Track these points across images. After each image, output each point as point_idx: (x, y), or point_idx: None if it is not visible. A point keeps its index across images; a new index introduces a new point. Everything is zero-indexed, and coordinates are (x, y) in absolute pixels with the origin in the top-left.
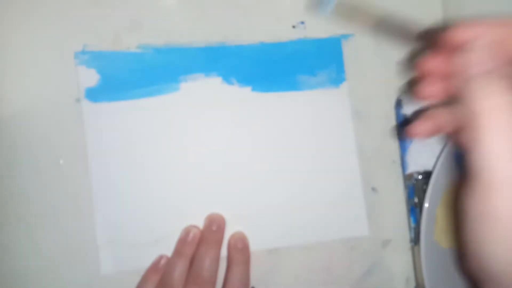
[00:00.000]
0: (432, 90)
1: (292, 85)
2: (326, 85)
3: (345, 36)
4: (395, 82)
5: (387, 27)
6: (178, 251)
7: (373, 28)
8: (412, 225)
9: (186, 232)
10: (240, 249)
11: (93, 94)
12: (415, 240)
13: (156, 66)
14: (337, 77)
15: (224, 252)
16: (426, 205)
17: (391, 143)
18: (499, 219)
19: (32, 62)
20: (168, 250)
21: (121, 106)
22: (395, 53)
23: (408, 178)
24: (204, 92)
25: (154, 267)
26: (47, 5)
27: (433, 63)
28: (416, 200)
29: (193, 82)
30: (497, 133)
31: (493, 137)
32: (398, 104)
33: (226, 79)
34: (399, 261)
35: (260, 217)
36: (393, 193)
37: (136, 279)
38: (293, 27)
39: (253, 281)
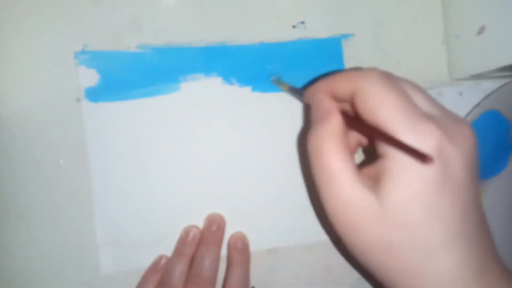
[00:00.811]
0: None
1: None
2: None
3: (345, 36)
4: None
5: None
6: (178, 251)
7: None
8: None
9: (186, 232)
10: (240, 249)
11: (93, 94)
12: None
13: (156, 66)
14: None
15: (224, 252)
16: None
17: None
18: None
19: (32, 62)
20: (168, 250)
21: (121, 106)
22: (395, 53)
23: None
24: (204, 92)
25: (154, 267)
26: (47, 5)
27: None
28: None
29: (193, 82)
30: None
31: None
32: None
33: (226, 79)
34: None
35: (260, 217)
36: None
37: (136, 279)
38: (293, 27)
39: (253, 281)
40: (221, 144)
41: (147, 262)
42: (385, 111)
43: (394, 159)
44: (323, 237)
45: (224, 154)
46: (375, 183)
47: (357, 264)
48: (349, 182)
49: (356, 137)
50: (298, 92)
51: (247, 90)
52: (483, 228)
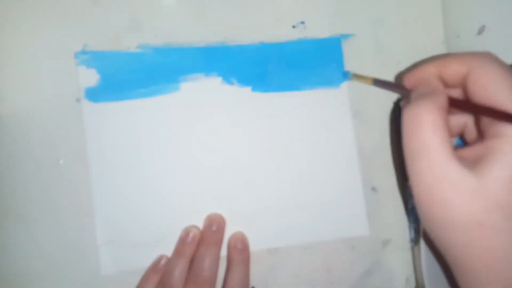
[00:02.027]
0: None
1: (292, 85)
2: (326, 85)
3: (345, 36)
4: (395, 81)
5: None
6: (178, 251)
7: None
8: (412, 225)
9: (186, 232)
10: (240, 249)
11: (93, 94)
12: (415, 240)
13: (156, 66)
14: (337, 77)
15: (224, 252)
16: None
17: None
18: None
19: (32, 62)
20: (168, 250)
21: (121, 106)
22: (395, 53)
23: (408, 177)
24: (204, 92)
25: (154, 267)
26: (47, 5)
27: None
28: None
29: (193, 82)
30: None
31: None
32: (395, 109)
33: (226, 79)
34: (399, 261)
35: (260, 217)
36: (393, 193)
37: (136, 279)
38: (293, 27)
39: (253, 281)
40: (221, 144)
41: (147, 262)
42: (505, 93)
43: (507, 137)
44: (323, 237)
45: (224, 154)
46: (474, 163)
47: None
48: (447, 157)
49: (452, 126)
50: (391, 84)
51: (247, 90)
52: None
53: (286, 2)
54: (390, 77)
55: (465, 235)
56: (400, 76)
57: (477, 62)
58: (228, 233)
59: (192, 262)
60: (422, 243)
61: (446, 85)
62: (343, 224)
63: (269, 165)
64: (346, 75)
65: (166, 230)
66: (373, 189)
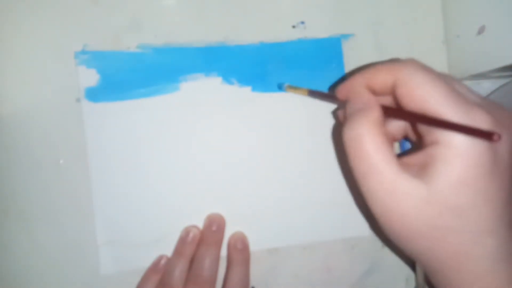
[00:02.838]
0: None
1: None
2: (326, 85)
3: (345, 36)
4: (331, 91)
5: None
6: (178, 251)
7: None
8: None
9: (186, 232)
10: (240, 249)
11: (93, 94)
12: None
13: (156, 66)
14: (337, 77)
15: (224, 252)
16: None
17: None
18: None
19: (32, 62)
20: (168, 250)
21: (121, 106)
22: (395, 53)
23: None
24: (204, 92)
25: (154, 267)
26: (47, 5)
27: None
28: None
29: (193, 82)
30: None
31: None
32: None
33: (226, 79)
34: (399, 261)
35: (260, 217)
36: None
37: (136, 279)
38: (293, 27)
39: (253, 281)
40: (221, 144)
41: (147, 262)
42: (435, 99)
43: (447, 144)
44: (323, 237)
45: (224, 154)
46: (420, 170)
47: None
48: (393, 171)
49: (393, 130)
50: (324, 94)
51: (247, 90)
52: None
53: (286, 2)
54: None
55: (425, 242)
56: (334, 87)
57: (402, 71)
58: (228, 233)
59: (192, 262)
60: None
61: (377, 94)
62: (343, 224)
63: (269, 165)
64: (280, 87)
65: (166, 230)
66: None
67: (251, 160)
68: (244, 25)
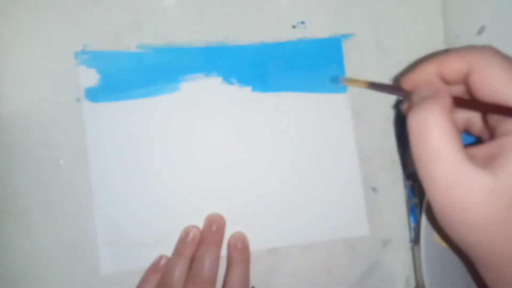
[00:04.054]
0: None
1: (292, 85)
2: (326, 85)
3: (345, 36)
4: (395, 82)
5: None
6: (178, 251)
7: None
8: (412, 225)
9: (186, 232)
10: (240, 249)
11: (93, 94)
12: (415, 240)
13: (156, 66)
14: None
15: (224, 252)
16: (426, 205)
17: (391, 143)
18: None
19: (32, 62)
20: (168, 250)
21: (121, 106)
22: (395, 53)
23: (408, 178)
24: (204, 92)
25: (154, 267)
26: (47, 5)
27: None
28: (416, 200)
29: (193, 82)
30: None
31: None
32: (398, 104)
33: (226, 79)
34: (399, 261)
35: (260, 217)
36: (393, 193)
37: (136, 279)
38: (293, 27)
39: (253, 281)
40: (221, 144)
41: (147, 262)
42: (510, 88)
43: None
44: (323, 237)
45: (224, 154)
46: (488, 162)
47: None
48: (459, 159)
49: (460, 121)
50: (387, 86)
51: (247, 90)
52: None
53: (286, 2)
54: (390, 77)
55: (487, 235)
56: (398, 78)
57: (478, 58)
58: (228, 233)
59: (192, 262)
60: (422, 243)
61: (448, 83)
62: (343, 224)
63: (269, 165)
64: (335, 80)
65: (166, 230)
66: (373, 189)
67: (251, 160)
68: (244, 25)
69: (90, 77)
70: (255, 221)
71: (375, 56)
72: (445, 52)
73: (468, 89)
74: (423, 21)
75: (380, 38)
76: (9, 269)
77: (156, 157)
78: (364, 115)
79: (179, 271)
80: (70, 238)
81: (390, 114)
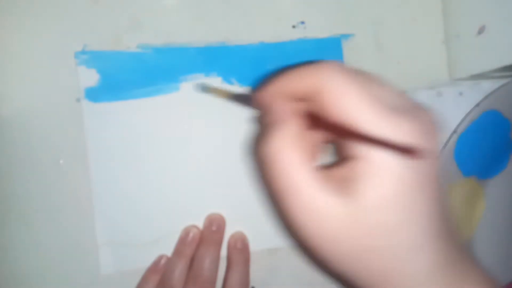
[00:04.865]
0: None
1: None
2: None
3: (345, 36)
4: (395, 81)
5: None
6: (178, 251)
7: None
8: None
9: (186, 232)
10: (240, 249)
11: (93, 94)
12: None
13: (156, 66)
14: None
15: (224, 252)
16: None
17: None
18: None
19: (32, 62)
20: (168, 250)
21: (121, 106)
22: (395, 53)
23: None
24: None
25: (154, 267)
26: (47, 5)
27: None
28: None
29: (193, 82)
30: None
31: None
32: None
33: (226, 79)
34: None
35: (260, 217)
36: None
37: (136, 279)
38: (293, 27)
39: (253, 281)
40: (221, 143)
41: (147, 262)
42: (355, 109)
43: (367, 159)
44: None
45: (224, 154)
46: (343, 187)
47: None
48: (313, 191)
49: (318, 135)
50: (243, 97)
51: (247, 90)
52: (453, 226)
53: (286, 2)
54: (390, 78)
55: (356, 262)
56: (256, 89)
57: (321, 77)
58: (228, 233)
59: (192, 262)
60: None
61: (298, 99)
62: None
63: None
64: (200, 87)
65: (166, 230)
66: None
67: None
68: (244, 25)
69: (90, 77)
70: (255, 221)
71: (375, 56)
72: (294, 69)
73: (320, 108)
74: (423, 21)
75: (380, 38)
76: (9, 269)
77: (156, 157)
78: None
79: (179, 271)
80: (70, 238)
81: None
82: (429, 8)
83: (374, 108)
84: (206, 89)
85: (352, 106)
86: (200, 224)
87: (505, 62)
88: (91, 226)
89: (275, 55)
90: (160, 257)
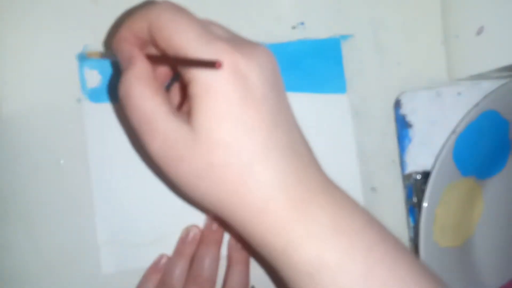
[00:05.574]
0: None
1: (291, 86)
2: (325, 85)
3: (344, 37)
4: (394, 82)
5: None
6: (178, 251)
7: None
8: (411, 224)
9: (187, 231)
10: (240, 249)
11: (94, 95)
12: (414, 239)
13: None
14: (337, 78)
15: (224, 251)
16: (425, 205)
17: (390, 143)
18: None
19: (33, 62)
20: (168, 249)
21: (121, 106)
22: (395, 53)
23: (407, 178)
24: None
25: (154, 267)
26: (47, 5)
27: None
28: (415, 200)
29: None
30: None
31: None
32: (397, 104)
33: None
34: None
35: None
36: (392, 193)
37: (137, 279)
38: (293, 28)
39: (253, 281)
40: None
41: (148, 261)
42: (179, 36)
43: (196, 82)
44: None
45: None
46: (188, 112)
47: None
48: (164, 119)
49: (165, 70)
50: (111, 54)
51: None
52: (298, 139)
53: (286, 3)
54: (390, 78)
55: (207, 182)
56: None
57: (154, 14)
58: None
59: (192, 261)
60: (421, 243)
61: (145, 40)
62: None
63: None
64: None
65: (166, 230)
66: (372, 189)
67: None
68: (244, 26)
69: (92, 78)
70: None
71: (374, 57)
72: (133, 12)
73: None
74: (422, 22)
75: (379, 38)
76: (9, 269)
77: None
78: (364, 115)
79: (179, 271)
80: (70, 238)
81: (390, 114)
82: (428, 9)
83: (200, 37)
84: (85, 57)
85: (180, 37)
86: (201, 223)
87: (504, 62)
88: (92, 226)
89: (275, 55)
90: (161, 257)
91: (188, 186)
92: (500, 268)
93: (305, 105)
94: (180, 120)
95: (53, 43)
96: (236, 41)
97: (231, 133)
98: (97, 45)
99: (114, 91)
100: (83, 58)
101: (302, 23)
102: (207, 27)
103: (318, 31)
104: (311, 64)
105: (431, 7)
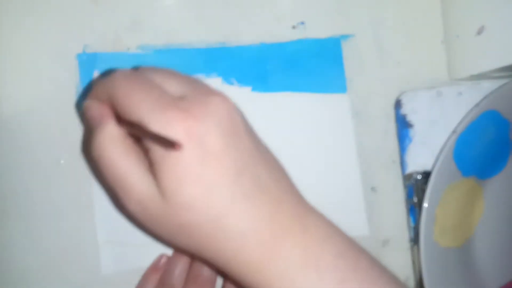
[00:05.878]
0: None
1: (291, 86)
2: (326, 85)
3: (345, 37)
4: (395, 82)
5: None
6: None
7: None
8: (412, 224)
9: None
10: None
11: None
12: (415, 239)
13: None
14: (337, 78)
15: None
16: (425, 205)
17: (391, 143)
18: None
19: (33, 62)
20: (168, 249)
21: None
22: (395, 53)
23: (407, 178)
24: None
25: (154, 267)
26: (47, 5)
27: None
28: (415, 200)
29: None
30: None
31: None
32: (398, 104)
33: (226, 79)
34: (398, 260)
35: None
36: (392, 193)
37: (137, 279)
38: (293, 27)
39: None
40: None
41: (148, 261)
42: (134, 111)
43: (154, 150)
44: None
45: None
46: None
47: None
48: (137, 180)
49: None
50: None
51: (247, 90)
52: (265, 177)
53: (286, 2)
54: (390, 79)
55: (186, 238)
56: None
57: (110, 86)
58: None
59: (192, 261)
60: (422, 243)
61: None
62: (342, 224)
63: None
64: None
65: None
66: (373, 189)
67: None
68: (244, 26)
69: (92, 78)
70: None
71: (375, 57)
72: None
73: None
74: (422, 22)
75: (379, 38)
76: (9, 268)
77: None
78: (364, 115)
79: (179, 270)
80: (70, 238)
81: (390, 114)
82: (428, 9)
83: (153, 110)
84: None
85: (135, 112)
86: None
87: (505, 62)
88: (92, 226)
89: (275, 55)
90: (161, 257)
91: (168, 239)
92: (500, 268)
93: (305, 105)
94: (152, 179)
95: (53, 43)
96: (190, 99)
97: (194, 194)
98: (97, 45)
99: None
100: (83, 58)
101: (302, 23)
102: (160, 88)
103: (318, 31)
104: (311, 63)
105: (431, 7)
